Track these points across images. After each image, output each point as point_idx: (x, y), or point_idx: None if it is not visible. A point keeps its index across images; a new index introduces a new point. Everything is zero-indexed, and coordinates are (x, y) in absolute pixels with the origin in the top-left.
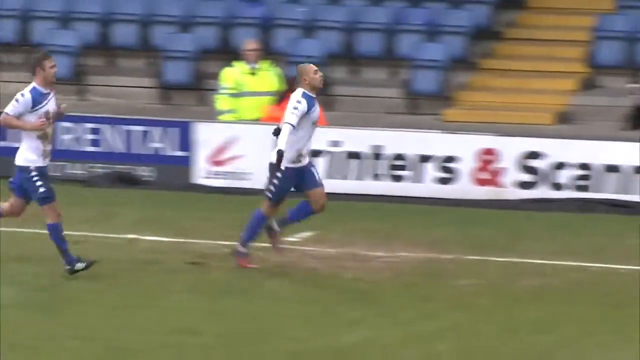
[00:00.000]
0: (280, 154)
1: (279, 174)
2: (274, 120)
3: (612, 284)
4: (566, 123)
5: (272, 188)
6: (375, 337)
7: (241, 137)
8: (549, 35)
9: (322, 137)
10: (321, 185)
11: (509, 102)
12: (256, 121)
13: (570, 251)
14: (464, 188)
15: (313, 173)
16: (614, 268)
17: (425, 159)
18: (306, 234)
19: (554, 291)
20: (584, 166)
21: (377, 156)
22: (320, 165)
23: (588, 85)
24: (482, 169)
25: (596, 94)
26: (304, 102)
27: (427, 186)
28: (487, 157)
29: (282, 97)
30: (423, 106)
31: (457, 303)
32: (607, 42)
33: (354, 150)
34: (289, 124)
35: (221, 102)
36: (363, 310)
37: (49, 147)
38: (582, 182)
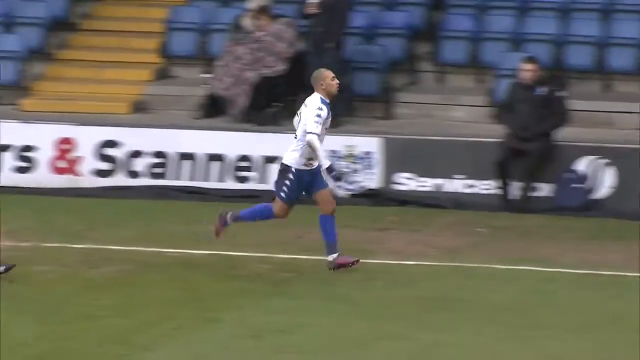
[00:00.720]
0: (332, 169)
1: (290, 176)
2: None
3: (187, 268)
4: (142, 112)
5: (284, 189)
6: None
7: None
8: (123, 27)
9: None
10: (327, 186)
11: (85, 92)
12: None
13: (147, 237)
14: (42, 177)
15: (321, 176)
16: (190, 253)
17: (3, 148)
18: None
19: (132, 276)
20: (159, 154)
21: None
22: None
23: (162, 75)
24: (60, 157)
25: (170, 83)
26: (325, 109)
27: (6, 175)
28: (65, 146)
29: None
30: (1, 96)
31: (37, 290)
32: (179, 33)
33: None
34: (315, 134)
35: None
36: None
37: None
38: (157, 170)
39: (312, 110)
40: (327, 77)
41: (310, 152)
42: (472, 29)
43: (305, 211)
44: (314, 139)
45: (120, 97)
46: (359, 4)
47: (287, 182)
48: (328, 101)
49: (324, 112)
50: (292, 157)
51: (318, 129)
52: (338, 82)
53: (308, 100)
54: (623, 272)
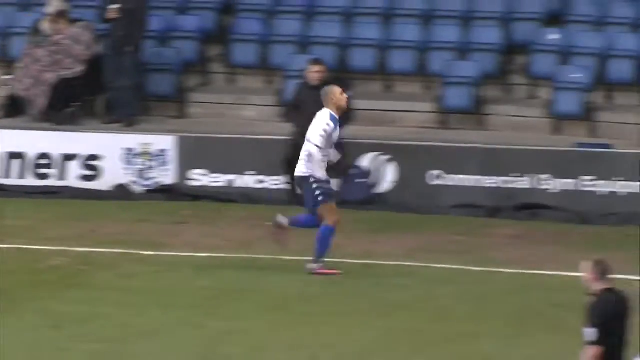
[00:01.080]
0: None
1: (313, 182)
2: None
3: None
4: None
5: (319, 193)
6: None
7: None
8: None
9: None
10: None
11: None
12: None
13: None
14: None
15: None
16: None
17: None
18: None
19: None
20: None
21: None
22: None
23: None
24: None
25: None
26: (332, 124)
27: None
28: None
29: None
30: None
31: None
32: None
33: None
34: (317, 146)
35: None
36: None
37: None
38: None
39: (321, 124)
40: (336, 93)
41: (325, 166)
42: (261, 33)
43: (99, 205)
44: (313, 149)
45: None
46: (154, 8)
47: (315, 186)
48: (337, 116)
49: (330, 127)
50: (306, 167)
51: (321, 142)
52: (347, 96)
53: (318, 114)
54: (403, 262)
